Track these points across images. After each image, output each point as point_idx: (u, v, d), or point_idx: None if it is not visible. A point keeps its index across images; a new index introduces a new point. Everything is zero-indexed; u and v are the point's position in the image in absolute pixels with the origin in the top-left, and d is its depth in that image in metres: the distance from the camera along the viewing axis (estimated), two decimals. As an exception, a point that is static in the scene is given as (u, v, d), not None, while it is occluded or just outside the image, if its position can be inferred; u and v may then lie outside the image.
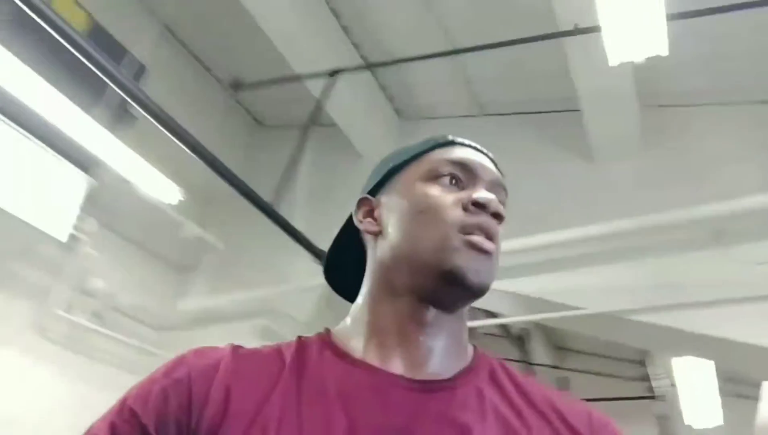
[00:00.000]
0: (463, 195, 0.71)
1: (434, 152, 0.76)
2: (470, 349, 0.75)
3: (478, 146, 0.79)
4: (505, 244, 0.74)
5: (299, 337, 0.73)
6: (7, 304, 2.98)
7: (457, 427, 0.63)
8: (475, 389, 0.68)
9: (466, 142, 0.78)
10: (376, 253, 0.75)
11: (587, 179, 3.55)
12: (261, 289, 3.73)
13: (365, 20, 3.59)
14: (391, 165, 0.79)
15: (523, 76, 3.61)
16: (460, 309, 0.72)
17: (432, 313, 0.69)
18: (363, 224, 0.77)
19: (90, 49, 2.11)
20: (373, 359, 0.68)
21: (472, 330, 0.77)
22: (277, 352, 0.70)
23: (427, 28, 3.46)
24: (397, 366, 0.68)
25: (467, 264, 0.67)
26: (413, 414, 0.63)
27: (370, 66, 3.41)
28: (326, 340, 0.72)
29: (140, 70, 3.03)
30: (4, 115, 2.37)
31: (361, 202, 0.79)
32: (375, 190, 0.79)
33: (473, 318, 3.70)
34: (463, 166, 0.74)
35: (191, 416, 0.62)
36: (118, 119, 2.63)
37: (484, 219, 0.69)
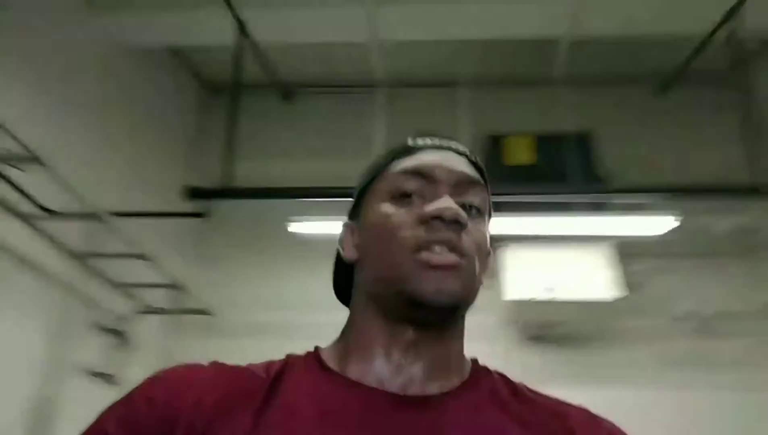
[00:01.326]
0: (420, 209, 0.67)
1: (392, 164, 0.72)
2: (468, 365, 0.72)
3: (441, 143, 0.73)
4: None
5: (288, 355, 0.71)
6: (627, 354, 3.56)
7: None
8: (469, 404, 0.65)
9: (427, 143, 0.73)
10: (356, 276, 0.74)
11: None
12: None
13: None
14: (359, 187, 0.76)
15: None
16: (443, 327, 0.68)
17: (410, 332, 0.67)
18: (344, 252, 0.75)
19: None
20: (358, 376, 0.66)
21: None
22: (261, 368, 0.69)
23: None
24: (381, 383, 0.65)
25: (424, 286, 0.63)
26: (395, 430, 0.61)
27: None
28: (313, 357, 0.71)
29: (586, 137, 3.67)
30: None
31: (344, 228, 0.77)
32: (354, 214, 0.77)
33: None
34: (419, 174, 0.69)
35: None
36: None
37: (442, 233, 0.64)
